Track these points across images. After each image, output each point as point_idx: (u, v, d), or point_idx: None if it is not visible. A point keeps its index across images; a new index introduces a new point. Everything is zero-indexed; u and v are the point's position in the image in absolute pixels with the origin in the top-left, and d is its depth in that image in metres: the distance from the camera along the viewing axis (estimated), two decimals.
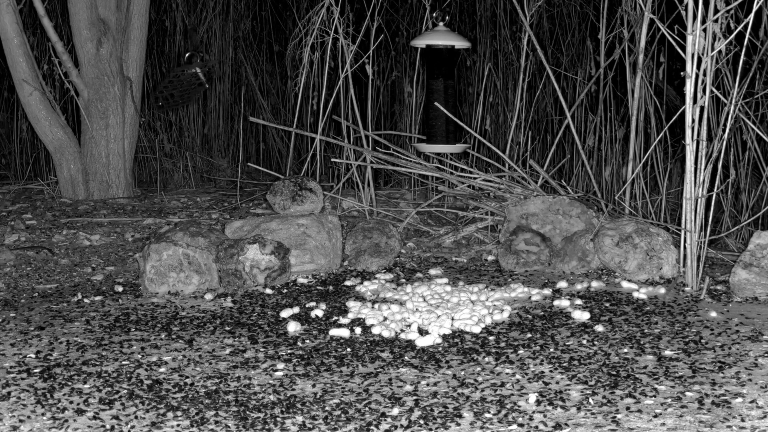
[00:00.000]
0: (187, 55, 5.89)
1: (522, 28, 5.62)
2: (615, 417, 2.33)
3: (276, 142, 7.23)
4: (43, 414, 2.41)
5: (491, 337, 3.00)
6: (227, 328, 3.14)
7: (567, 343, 2.92)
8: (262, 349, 2.92)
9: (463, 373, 2.68)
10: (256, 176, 5.93)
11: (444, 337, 3.00)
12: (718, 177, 3.79)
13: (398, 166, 4.69)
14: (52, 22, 5.42)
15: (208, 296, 3.53)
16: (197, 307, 3.41)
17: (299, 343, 2.97)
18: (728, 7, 3.44)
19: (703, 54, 3.41)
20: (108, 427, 2.33)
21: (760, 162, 4.58)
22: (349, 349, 2.90)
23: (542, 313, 3.26)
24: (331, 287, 3.66)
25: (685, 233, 3.54)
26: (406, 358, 2.82)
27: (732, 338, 2.94)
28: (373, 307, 3.31)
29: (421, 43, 4.64)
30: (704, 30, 3.40)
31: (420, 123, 5.74)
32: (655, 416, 2.33)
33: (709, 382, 2.56)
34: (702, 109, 3.45)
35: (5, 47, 5.31)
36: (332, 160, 5.10)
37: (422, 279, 3.74)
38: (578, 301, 3.36)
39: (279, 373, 2.70)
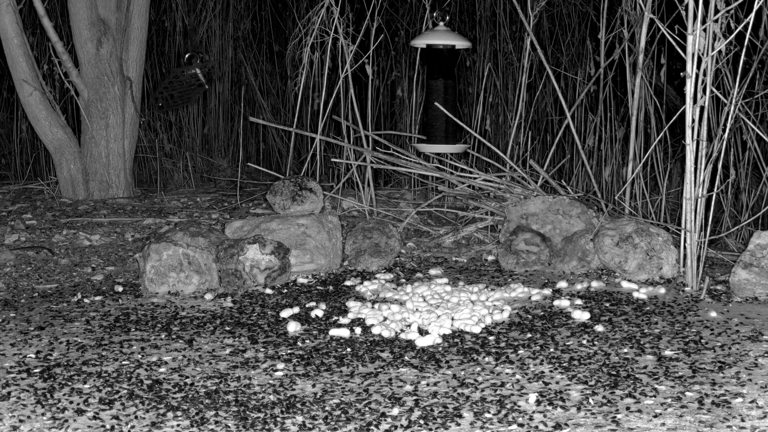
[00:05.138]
0: (186, 55, 5.89)
1: (522, 27, 5.62)
2: (615, 417, 2.33)
3: (276, 142, 7.23)
4: (43, 414, 2.41)
5: (491, 337, 3.00)
6: (227, 328, 3.14)
7: (567, 343, 2.92)
8: (262, 349, 2.92)
9: (463, 373, 2.68)
10: (256, 176, 5.93)
11: (444, 337, 3.00)
12: (718, 177, 3.79)
13: (398, 166, 4.69)
14: (52, 22, 5.42)
15: (208, 296, 3.53)
16: (197, 307, 3.41)
17: (299, 343, 2.97)
18: (728, 7, 3.44)
19: (703, 54, 3.41)
20: (108, 427, 2.33)
21: (760, 162, 4.58)
22: (349, 349, 2.90)
23: (542, 313, 3.26)
24: (331, 287, 3.66)
25: (685, 233, 3.54)
26: (406, 358, 2.82)
27: (732, 338, 2.94)
28: (373, 307, 3.31)
29: (421, 42, 4.64)
30: (704, 30, 3.40)
31: (420, 123, 5.74)
32: (655, 416, 2.33)
33: (709, 382, 2.56)
34: (702, 109, 3.45)
35: (5, 47, 5.31)
36: (332, 160, 5.10)
37: (422, 279, 3.74)
38: (578, 301, 3.36)
39: (279, 373, 2.70)
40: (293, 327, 3.11)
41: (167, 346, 2.97)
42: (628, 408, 2.39)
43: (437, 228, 4.57)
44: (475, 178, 4.50)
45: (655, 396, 2.47)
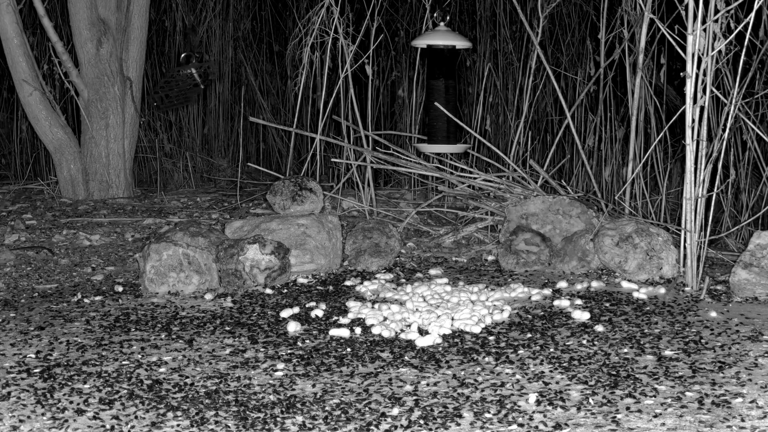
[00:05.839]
0: (183, 55, 5.89)
1: (523, 27, 5.61)
2: (615, 417, 2.33)
3: (276, 142, 7.23)
4: (43, 414, 2.41)
5: (491, 337, 3.00)
6: (227, 328, 3.14)
7: (567, 343, 2.92)
8: (262, 349, 2.92)
9: (463, 373, 2.68)
10: (256, 176, 5.93)
11: (444, 337, 3.00)
12: (718, 177, 3.79)
13: (398, 166, 4.69)
14: (52, 22, 5.42)
15: (208, 296, 3.53)
16: (197, 307, 3.41)
17: (299, 343, 2.97)
18: (728, 7, 3.44)
19: (703, 54, 3.41)
20: (108, 427, 2.33)
21: (760, 162, 4.58)
22: (349, 349, 2.90)
23: (542, 313, 3.26)
24: (331, 287, 3.66)
25: (685, 233, 3.54)
26: (406, 358, 2.82)
27: (732, 338, 2.94)
28: (373, 307, 3.31)
29: (422, 43, 4.64)
30: (704, 30, 3.40)
31: (420, 123, 5.74)
32: (655, 416, 2.33)
33: (709, 382, 2.56)
34: (702, 109, 3.45)
35: (5, 47, 5.31)
36: (332, 160, 5.10)
37: (422, 279, 3.74)
38: (578, 301, 3.36)
39: (279, 373, 2.70)
40: (293, 327, 3.11)
41: (167, 346, 2.97)
42: (628, 408, 2.39)
43: (437, 228, 4.57)
44: (475, 178, 4.49)
45: (655, 396, 2.47)
